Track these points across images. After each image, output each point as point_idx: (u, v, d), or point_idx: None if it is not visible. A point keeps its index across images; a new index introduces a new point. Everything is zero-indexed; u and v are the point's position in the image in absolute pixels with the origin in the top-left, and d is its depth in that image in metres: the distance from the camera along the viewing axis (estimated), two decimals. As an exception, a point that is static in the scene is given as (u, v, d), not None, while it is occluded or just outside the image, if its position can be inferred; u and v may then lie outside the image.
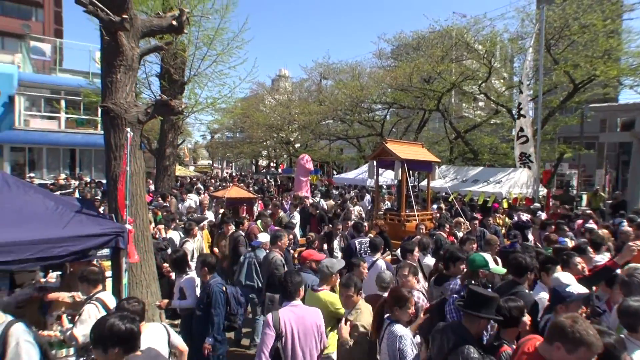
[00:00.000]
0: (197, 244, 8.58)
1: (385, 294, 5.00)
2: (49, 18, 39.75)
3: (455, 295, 4.59)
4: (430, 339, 3.84)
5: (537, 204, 14.35)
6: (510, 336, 3.72)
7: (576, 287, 4.07)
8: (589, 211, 13.47)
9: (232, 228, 9.27)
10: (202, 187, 19.68)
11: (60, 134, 24.28)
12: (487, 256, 5.00)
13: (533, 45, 16.85)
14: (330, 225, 12.16)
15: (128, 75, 5.87)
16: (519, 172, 16.95)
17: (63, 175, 22.52)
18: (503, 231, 11.51)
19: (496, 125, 27.47)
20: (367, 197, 18.68)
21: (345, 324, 4.34)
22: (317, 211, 13.22)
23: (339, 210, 14.07)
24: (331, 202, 16.52)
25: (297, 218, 12.20)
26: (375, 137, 29.66)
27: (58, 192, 12.39)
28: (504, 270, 5.08)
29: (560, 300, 3.96)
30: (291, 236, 8.66)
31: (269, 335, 3.94)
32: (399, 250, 7.98)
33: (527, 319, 3.83)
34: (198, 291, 5.74)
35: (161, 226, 9.58)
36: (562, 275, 4.54)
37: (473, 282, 4.66)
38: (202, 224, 9.56)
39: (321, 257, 6.18)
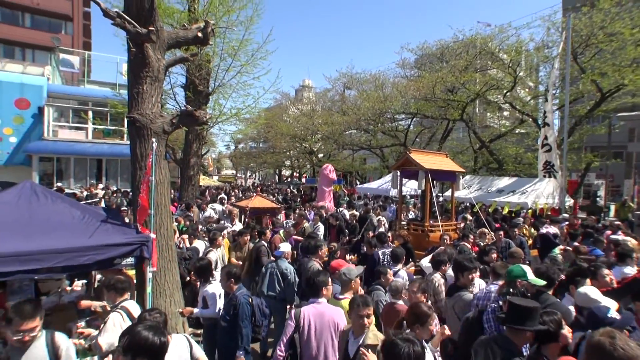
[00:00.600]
0: (220, 253, 8.62)
1: (399, 302, 5.18)
2: (78, 31, 40.76)
3: (494, 305, 4.49)
4: (472, 352, 3.70)
5: (565, 215, 14.02)
6: (553, 352, 3.52)
7: (615, 312, 3.91)
8: (617, 222, 13.11)
9: (248, 239, 9.24)
10: (225, 197, 19.81)
11: (88, 144, 24.82)
12: (526, 267, 4.91)
13: (560, 53, 16.57)
14: (348, 238, 12.10)
15: (154, 86, 5.95)
16: (545, 182, 16.63)
17: (101, 185, 22.97)
18: (529, 242, 11.28)
19: (521, 135, 27.05)
20: (394, 207, 18.53)
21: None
22: (337, 222, 13.15)
23: (354, 221, 13.93)
24: (353, 212, 16.42)
25: (321, 229, 12.17)
26: (399, 147, 29.50)
27: (84, 201, 12.59)
28: (544, 282, 4.95)
29: (599, 325, 3.65)
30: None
31: (290, 326, 4.47)
32: (422, 261, 7.89)
33: (567, 331, 3.68)
34: (221, 302, 5.76)
35: (185, 236, 9.63)
36: (589, 290, 4.37)
37: (512, 290, 4.52)
38: (222, 233, 9.58)
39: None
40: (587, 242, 9.09)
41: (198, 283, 6.84)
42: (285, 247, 7.64)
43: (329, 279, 4.86)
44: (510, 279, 4.83)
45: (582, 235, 9.93)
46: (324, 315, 4.49)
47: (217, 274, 7.10)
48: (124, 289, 4.73)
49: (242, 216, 12.86)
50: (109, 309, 5.26)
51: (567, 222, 12.65)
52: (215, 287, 5.91)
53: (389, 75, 31.35)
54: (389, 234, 9.82)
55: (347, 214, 15.36)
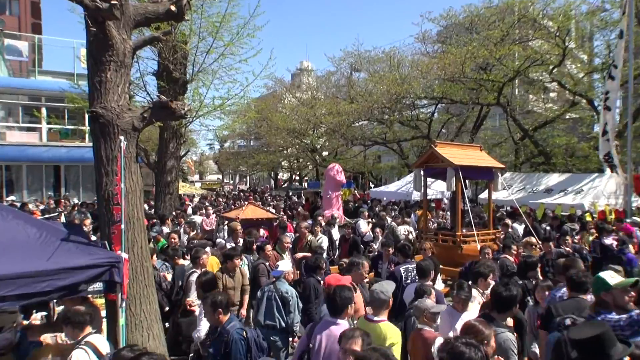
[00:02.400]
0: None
1: (426, 328, 5.27)
2: (25, 11, 40.94)
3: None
4: None
5: (635, 218, 13.88)
6: None
7: None
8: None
9: (239, 263, 8.84)
10: (210, 208, 19.80)
11: (42, 148, 24.92)
12: (608, 273, 4.93)
13: (625, 15, 16.27)
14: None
15: (120, 73, 5.98)
16: (606, 179, 16.56)
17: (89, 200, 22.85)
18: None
19: (573, 121, 26.99)
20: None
21: None
22: (352, 235, 13.08)
23: (348, 234, 13.73)
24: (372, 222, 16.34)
25: (325, 242, 12.17)
26: (421, 140, 29.53)
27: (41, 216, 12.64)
28: (632, 280, 4.96)
29: None
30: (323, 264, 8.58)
31: (301, 342, 5.08)
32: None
33: None
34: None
35: (168, 275, 9.10)
36: None
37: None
38: (205, 250, 9.39)
39: (348, 281, 6.28)
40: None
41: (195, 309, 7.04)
42: (285, 266, 7.63)
43: (352, 295, 5.06)
44: (597, 293, 4.87)
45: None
46: (337, 341, 4.56)
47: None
48: (84, 321, 4.75)
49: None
50: (61, 340, 5.31)
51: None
52: None
53: (406, 52, 31.27)
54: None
55: (364, 226, 15.15)
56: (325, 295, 6.23)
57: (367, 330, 4.93)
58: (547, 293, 6.35)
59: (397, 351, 4.87)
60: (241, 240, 11.40)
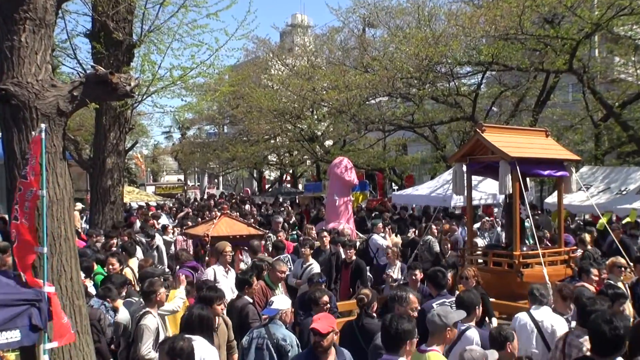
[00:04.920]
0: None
1: None
2: None
3: None
4: None
5: None
6: None
7: None
8: None
9: (223, 309, 8.35)
10: (169, 223, 19.83)
11: None
12: None
13: None
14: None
15: (39, 35, 5.98)
16: None
17: None
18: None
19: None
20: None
21: None
22: (353, 258, 12.81)
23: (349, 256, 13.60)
24: (394, 239, 16.28)
25: (316, 268, 12.10)
26: (463, 123, 29.50)
27: None
28: None
29: None
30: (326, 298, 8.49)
31: None
32: (517, 320, 7.83)
33: None
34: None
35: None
36: None
37: None
38: (162, 282, 8.99)
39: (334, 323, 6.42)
40: None
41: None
42: (281, 303, 7.48)
43: (413, 327, 5.37)
44: None
45: None
46: None
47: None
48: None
49: (199, 249, 12.88)
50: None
51: None
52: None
53: (440, 0, 31.35)
54: (449, 275, 9.78)
55: (383, 243, 15.05)
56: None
57: None
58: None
59: None
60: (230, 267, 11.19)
